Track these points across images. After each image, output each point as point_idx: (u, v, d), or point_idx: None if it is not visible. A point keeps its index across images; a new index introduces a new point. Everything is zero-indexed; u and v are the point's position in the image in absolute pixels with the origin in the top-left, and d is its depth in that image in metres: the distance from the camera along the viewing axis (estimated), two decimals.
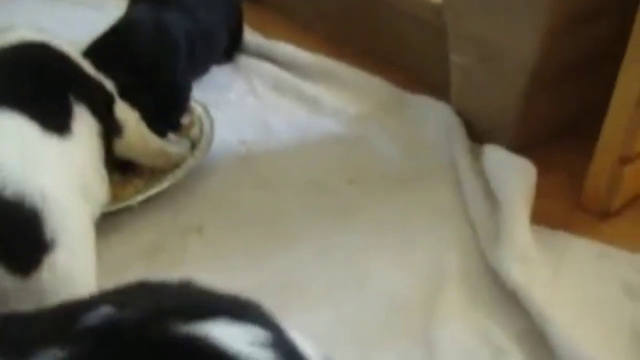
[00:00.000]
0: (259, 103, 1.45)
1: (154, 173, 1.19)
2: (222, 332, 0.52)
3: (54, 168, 0.85)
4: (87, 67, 1.10)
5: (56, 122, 0.90)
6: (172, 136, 1.27)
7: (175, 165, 1.20)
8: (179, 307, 0.56)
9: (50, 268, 0.80)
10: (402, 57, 1.49)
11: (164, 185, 1.14)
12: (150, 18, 1.30)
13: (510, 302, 1.00)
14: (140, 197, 1.11)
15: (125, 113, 1.12)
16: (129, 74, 1.18)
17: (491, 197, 1.15)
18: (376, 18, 1.52)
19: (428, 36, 1.41)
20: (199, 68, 1.43)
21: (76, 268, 0.85)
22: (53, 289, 0.81)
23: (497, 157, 1.18)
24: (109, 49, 1.23)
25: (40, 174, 0.81)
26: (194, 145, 1.26)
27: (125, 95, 1.15)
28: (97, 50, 1.20)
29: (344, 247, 1.11)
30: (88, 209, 0.92)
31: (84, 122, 0.96)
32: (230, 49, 1.58)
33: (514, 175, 1.14)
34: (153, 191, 1.13)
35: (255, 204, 1.19)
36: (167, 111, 1.27)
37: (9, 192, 0.76)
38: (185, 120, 1.31)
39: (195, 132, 1.28)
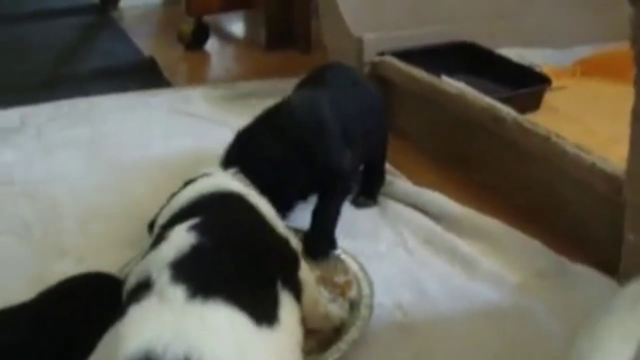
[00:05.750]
0: (411, 258, 1.39)
1: (309, 339, 1.14)
2: None
3: None
4: (277, 222, 1.07)
5: (265, 312, 0.84)
6: (327, 294, 1.23)
7: (336, 331, 1.15)
8: None
9: None
10: (563, 221, 1.42)
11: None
12: (302, 99, 1.41)
13: None
14: None
15: (306, 274, 1.08)
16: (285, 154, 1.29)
17: None
18: (537, 177, 1.46)
19: (596, 204, 1.34)
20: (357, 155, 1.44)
21: None
22: None
23: None
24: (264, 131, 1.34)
25: None
26: (351, 306, 1.21)
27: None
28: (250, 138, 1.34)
29: None
30: None
31: (289, 310, 0.91)
32: (372, 184, 1.56)
33: None
34: None
35: None
36: (327, 195, 1.36)
37: None
38: (340, 279, 1.27)
39: (352, 293, 1.24)
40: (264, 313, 0.83)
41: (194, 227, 0.90)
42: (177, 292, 0.79)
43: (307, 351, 1.10)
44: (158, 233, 0.97)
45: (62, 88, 2.02)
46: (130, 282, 0.87)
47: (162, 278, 0.81)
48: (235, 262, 0.87)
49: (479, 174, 1.60)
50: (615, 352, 0.79)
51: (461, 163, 1.64)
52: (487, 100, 1.55)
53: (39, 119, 1.84)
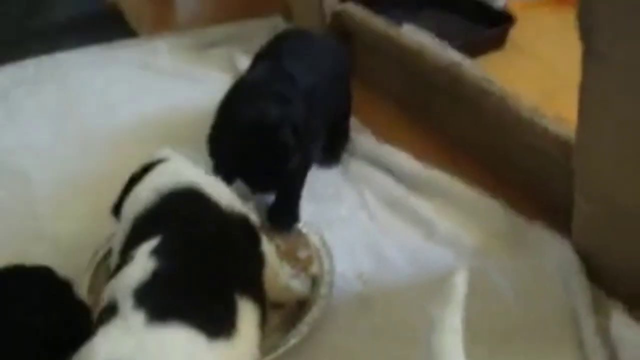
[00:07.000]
0: (372, 223, 1.44)
1: (273, 315, 1.19)
2: None
3: None
4: (234, 202, 1.13)
5: (222, 325, 0.93)
6: (289, 269, 1.28)
7: (300, 306, 1.22)
8: None
9: None
10: (521, 180, 1.46)
11: (290, 342, 1.15)
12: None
13: None
14: (268, 358, 1.12)
15: (266, 247, 1.15)
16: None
17: None
18: (493, 138, 1.49)
19: (550, 167, 1.38)
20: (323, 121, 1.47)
21: None
22: None
23: (625, 332, 1.15)
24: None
25: None
26: (313, 282, 1.27)
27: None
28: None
29: None
30: None
31: (247, 317, 0.98)
32: (336, 143, 1.59)
33: None
34: (280, 350, 1.14)
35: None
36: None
37: None
38: (303, 253, 1.32)
39: (314, 268, 1.29)
40: (220, 327, 0.92)
41: (155, 251, 0.97)
42: (138, 318, 0.89)
43: (270, 327, 1.16)
44: (122, 257, 1.03)
45: (25, 45, 1.99)
46: (103, 302, 0.96)
47: (126, 304, 0.91)
48: (194, 282, 0.96)
49: (440, 128, 1.62)
50: None
51: (424, 115, 1.66)
52: (446, 57, 1.55)
53: (4, 82, 1.83)
